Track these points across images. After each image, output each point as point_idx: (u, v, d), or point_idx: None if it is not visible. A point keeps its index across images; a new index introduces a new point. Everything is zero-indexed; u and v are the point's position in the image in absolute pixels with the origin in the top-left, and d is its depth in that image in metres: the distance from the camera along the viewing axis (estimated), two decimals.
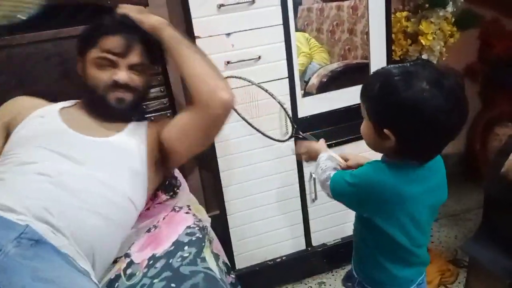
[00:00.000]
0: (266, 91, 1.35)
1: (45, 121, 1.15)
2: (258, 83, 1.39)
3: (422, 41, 1.71)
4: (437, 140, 0.92)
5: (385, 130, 0.90)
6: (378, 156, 1.04)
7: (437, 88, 0.86)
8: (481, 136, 2.45)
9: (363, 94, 0.97)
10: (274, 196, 1.76)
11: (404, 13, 1.77)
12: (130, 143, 1.17)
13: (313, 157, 1.23)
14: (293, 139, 1.44)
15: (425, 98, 0.85)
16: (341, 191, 1.03)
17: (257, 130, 1.39)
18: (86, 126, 1.16)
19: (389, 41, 1.72)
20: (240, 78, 1.41)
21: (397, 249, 1.01)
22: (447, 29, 1.73)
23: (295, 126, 1.31)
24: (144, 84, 1.23)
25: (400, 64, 0.93)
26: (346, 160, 1.20)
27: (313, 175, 1.75)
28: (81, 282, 0.87)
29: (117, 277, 1.04)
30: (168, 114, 1.60)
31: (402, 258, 1.03)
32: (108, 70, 1.16)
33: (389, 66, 0.96)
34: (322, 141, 1.27)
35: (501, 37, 2.26)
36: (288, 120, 1.30)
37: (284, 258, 1.86)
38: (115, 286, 1.02)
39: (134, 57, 1.18)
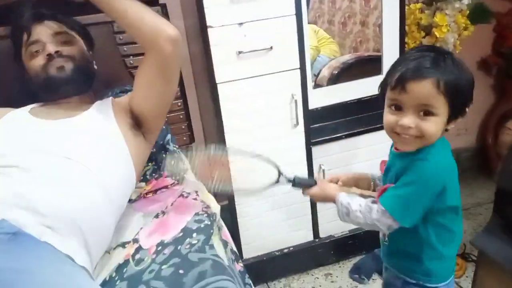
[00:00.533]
0: (258, 156, 1.26)
1: (16, 120, 1.20)
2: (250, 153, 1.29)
3: (436, 33, 1.69)
4: None
5: (467, 109, 0.91)
6: (373, 165, 1.02)
7: None
8: (494, 130, 2.42)
9: (447, 91, 0.86)
10: (282, 187, 1.76)
11: (418, 5, 1.75)
12: (97, 118, 1.21)
13: (328, 201, 1.10)
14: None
15: None
16: (403, 203, 0.93)
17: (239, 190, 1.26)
18: (53, 114, 1.21)
19: (402, 34, 1.71)
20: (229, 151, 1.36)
21: (453, 225, 0.99)
22: (462, 22, 1.71)
23: (281, 173, 1.22)
24: (77, 53, 1.28)
25: (423, 49, 0.92)
26: (337, 182, 1.13)
27: (323, 167, 1.75)
28: (61, 268, 0.87)
29: (126, 262, 1.05)
30: (184, 138, 1.65)
31: (455, 235, 1.00)
32: (40, 54, 1.24)
33: (415, 52, 0.92)
34: (321, 182, 1.14)
35: None
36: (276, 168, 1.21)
37: (291, 249, 1.86)
38: (124, 271, 1.03)
39: (48, 29, 1.25)
